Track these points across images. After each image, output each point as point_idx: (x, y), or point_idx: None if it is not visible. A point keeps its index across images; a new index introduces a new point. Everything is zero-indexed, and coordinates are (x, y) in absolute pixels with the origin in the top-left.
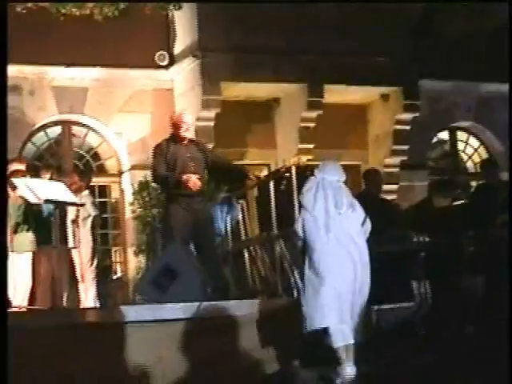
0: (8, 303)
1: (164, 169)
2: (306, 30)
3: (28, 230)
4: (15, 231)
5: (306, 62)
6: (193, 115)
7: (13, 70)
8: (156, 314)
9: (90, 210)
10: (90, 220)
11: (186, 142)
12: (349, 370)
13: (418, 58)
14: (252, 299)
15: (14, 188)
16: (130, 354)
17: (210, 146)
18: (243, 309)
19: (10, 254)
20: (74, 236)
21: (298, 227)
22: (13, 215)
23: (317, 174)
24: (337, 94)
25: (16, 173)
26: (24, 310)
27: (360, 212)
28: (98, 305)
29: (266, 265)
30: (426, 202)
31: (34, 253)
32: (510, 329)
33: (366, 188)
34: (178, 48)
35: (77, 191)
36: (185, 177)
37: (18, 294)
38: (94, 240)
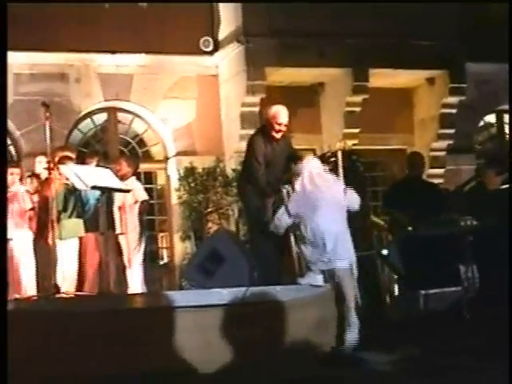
0: (57, 289)
1: (263, 171)
2: (351, 14)
3: (75, 217)
4: (62, 218)
5: (350, 45)
6: (237, 101)
7: (59, 58)
8: (203, 299)
9: (137, 196)
10: (136, 206)
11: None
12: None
13: (465, 40)
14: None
15: (61, 175)
16: (177, 339)
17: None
18: (290, 294)
19: (57, 241)
20: (121, 222)
21: (293, 207)
22: (60, 202)
23: (306, 167)
24: (382, 78)
25: (64, 159)
26: (72, 295)
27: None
28: (145, 290)
29: None
30: (474, 184)
31: (81, 239)
32: (510, 329)
33: (409, 172)
34: (222, 34)
35: (123, 177)
36: None
37: (66, 280)
38: (142, 226)
